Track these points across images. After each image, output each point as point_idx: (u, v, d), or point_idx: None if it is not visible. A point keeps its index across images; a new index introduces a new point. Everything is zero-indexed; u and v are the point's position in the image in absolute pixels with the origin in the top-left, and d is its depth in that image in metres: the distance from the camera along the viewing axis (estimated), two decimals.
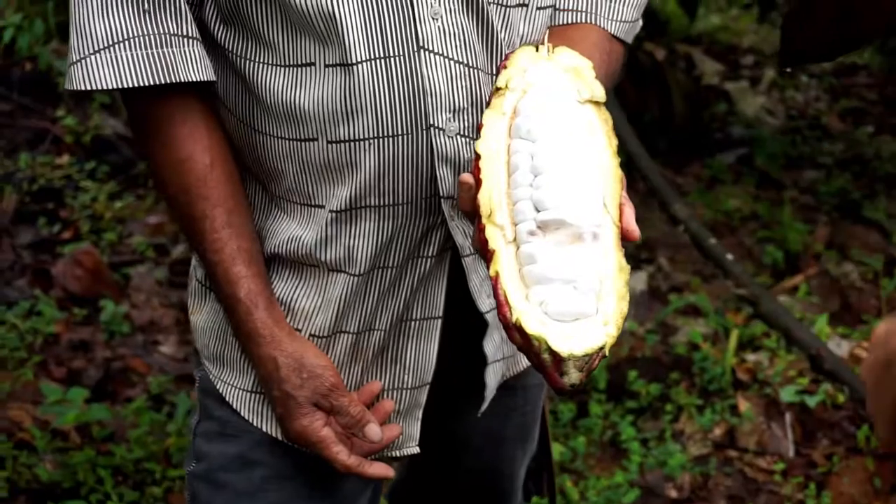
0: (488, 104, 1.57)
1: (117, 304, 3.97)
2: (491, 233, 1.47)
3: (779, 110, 6.08)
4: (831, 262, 4.51)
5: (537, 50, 1.62)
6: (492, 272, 1.45)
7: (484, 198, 1.49)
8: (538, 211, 1.47)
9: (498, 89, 1.57)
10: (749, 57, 6.83)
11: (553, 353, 1.40)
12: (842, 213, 4.96)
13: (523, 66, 1.59)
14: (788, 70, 2.03)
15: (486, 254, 1.48)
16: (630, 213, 1.52)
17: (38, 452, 3.25)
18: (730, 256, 3.59)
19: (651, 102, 5.49)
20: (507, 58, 1.60)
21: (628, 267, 1.48)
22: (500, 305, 1.43)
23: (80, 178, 4.65)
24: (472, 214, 1.52)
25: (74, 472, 3.17)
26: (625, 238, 1.51)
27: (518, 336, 1.42)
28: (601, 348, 1.41)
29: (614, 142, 1.56)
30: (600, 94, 1.58)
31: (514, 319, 1.42)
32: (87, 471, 3.18)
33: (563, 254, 1.45)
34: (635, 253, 4.58)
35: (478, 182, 1.50)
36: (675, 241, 4.57)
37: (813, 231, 4.74)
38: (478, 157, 1.51)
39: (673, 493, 3.34)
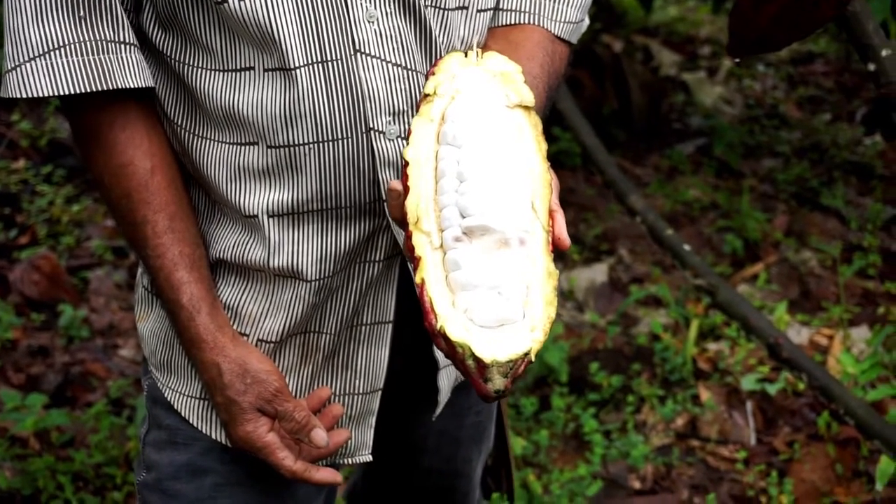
0: (417, 110, 1.55)
1: (76, 309, 3.93)
2: (417, 240, 1.46)
3: (737, 100, 6.10)
4: (790, 250, 4.53)
5: (466, 55, 1.61)
6: (417, 279, 1.43)
7: (411, 205, 1.47)
8: (463, 217, 1.45)
9: (426, 96, 1.55)
10: (706, 47, 6.86)
11: (477, 360, 1.38)
12: (800, 200, 4.99)
13: (452, 72, 1.57)
14: (738, 61, 2.02)
15: (413, 261, 1.46)
16: (560, 220, 1.50)
17: None
18: (687, 247, 3.59)
19: (609, 94, 5.49)
20: (435, 64, 1.59)
21: (557, 272, 1.46)
22: (426, 313, 1.41)
23: (37, 183, 4.62)
24: (402, 222, 1.50)
25: (34, 479, 3.14)
26: (555, 246, 1.49)
27: (443, 343, 1.40)
28: (526, 354, 1.39)
29: (544, 146, 1.54)
30: (529, 98, 1.56)
31: (438, 326, 1.40)
32: (46, 477, 3.15)
33: (488, 260, 1.43)
34: (595, 244, 4.59)
35: (406, 189, 1.49)
36: (634, 232, 4.58)
37: (772, 219, 4.77)
38: (406, 163, 1.50)
39: (636, 484, 3.35)
